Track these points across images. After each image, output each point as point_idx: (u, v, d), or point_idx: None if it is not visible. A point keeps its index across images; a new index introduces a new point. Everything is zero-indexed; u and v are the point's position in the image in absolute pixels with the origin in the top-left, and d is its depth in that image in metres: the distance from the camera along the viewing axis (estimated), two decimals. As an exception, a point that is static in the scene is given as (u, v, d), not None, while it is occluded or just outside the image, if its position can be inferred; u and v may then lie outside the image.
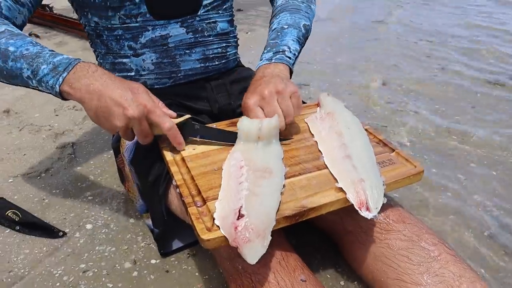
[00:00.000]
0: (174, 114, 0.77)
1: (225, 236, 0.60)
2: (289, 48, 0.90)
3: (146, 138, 0.74)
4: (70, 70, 0.71)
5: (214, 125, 0.87)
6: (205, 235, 0.61)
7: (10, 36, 0.76)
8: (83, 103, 0.71)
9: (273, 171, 0.70)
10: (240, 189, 0.65)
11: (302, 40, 0.95)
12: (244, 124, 0.76)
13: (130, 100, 0.69)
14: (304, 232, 0.89)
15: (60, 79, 0.71)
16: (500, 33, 2.59)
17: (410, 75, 1.95)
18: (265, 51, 0.92)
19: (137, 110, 0.69)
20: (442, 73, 1.97)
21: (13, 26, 0.80)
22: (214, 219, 0.63)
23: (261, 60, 0.90)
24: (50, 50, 0.75)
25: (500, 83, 1.83)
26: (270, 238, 0.59)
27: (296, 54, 0.92)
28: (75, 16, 2.47)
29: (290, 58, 0.89)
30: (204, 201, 0.67)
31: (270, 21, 1.02)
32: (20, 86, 0.79)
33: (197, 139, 0.80)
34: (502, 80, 1.86)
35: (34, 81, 0.74)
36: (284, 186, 0.70)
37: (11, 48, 0.74)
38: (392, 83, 1.84)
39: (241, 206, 0.61)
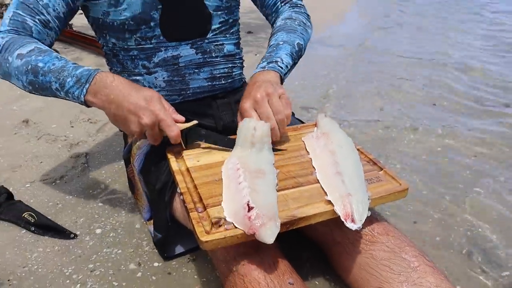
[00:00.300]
0: (183, 118, 0.87)
1: (221, 239, 0.67)
2: (282, 60, 0.99)
3: (156, 141, 0.84)
4: (91, 81, 0.81)
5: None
6: (203, 237, 0.68)
7: (39, 53, 0.86)
8: (104, 110, 0.82)
9: (266, 172, 0.78)
10: (241, 187, 0.73)
11: (294, 56, 1.03)
12: (241, 124, 0.85)
13: (144, 109, 0.78)
14: (296, 242, 0.95)
15: (84, 90, 0.81)
16: None
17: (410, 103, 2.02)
18: (260, 62, 1.01)
19: (150, 119, 0.78)
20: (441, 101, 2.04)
21: (41, 44, 0.90)
22: (213, 223, 0.70)
23: (256, 69, 0.99)
24: (73, 63, 0.85)
25: None
26: (279, 220, 0.67)
27: (288, 66, 1.01)
28: (93, 33, 2.60)
29: (281, 68, 0.98)
30: (205, 208, 0.75)
31: (269, 39, 1.11)
32: (50, 96, 0.88)
33: (202, 142, 0.89)
34: None
35: (62, 93, 0.84)
36: (277, 184, 0.78)
37: (40, 64, 0.83)
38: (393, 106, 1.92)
39: (248, 201, 0.69)
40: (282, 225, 0.71)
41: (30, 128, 1.63)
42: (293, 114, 1.22)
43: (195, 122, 0.88)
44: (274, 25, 1.16)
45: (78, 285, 0.88)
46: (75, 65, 0.85)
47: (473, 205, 1.19)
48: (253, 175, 0.77)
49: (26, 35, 0.90)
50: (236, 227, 0.68)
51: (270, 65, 0.98)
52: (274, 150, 0.89)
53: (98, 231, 1.05)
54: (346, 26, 3.97)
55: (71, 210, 1.13)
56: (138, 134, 0.82)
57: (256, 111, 0.87)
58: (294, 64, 1.05)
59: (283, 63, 0.99)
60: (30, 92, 0.90)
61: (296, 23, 1.10)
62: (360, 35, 3.54)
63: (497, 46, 3.10)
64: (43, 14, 0.91)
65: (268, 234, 0.65)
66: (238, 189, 0.75)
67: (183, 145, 0.89)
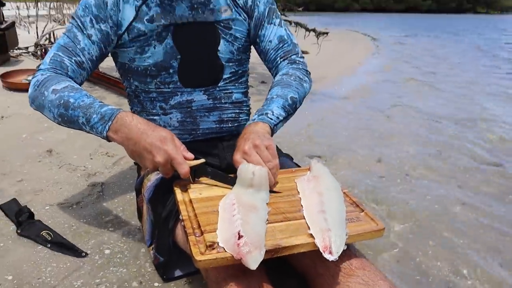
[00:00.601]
0: (192, 156, 0.99)
1: (212, 259, 0.78)
2: (273, 112, 1.10)
3: (168, 175, 0.96)
4: (113, 120, 0.95)
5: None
6: (198, 257, 0.79)
7: (71, 90, 1.01)
8: (123, 146, 0.95)
9: (258, 207, 0.90)
10: (235, 219, 0.84)
11: (287, 108, 1.14)
12: (240, 167, 0.97)
13: (158, 148, 0.92)
14: (284, 271, 1.04)
15: (107, 127, 0.95)
16: None
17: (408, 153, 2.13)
18: (254, 115, 1.14)
19: (163, 157, 0.91)
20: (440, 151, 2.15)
21: (74, 82, 1.06)
22: (207, 246, 0.81)
23: (249, 121, 1.11)
24: (99, 102, 1.00)
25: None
26: (264, 249, 0.78)
27: (280, 117, 1.11)
28: (116, 75, 2.82)
29: (271, 119, 1.09)
30: (202, 233, 0.86)
31: (269, 91, 1.24)
32: (75, 129, 1.02)
33: (208, 178, 1.01)
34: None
35: (87, 127, 0.98)
36: (267, 219, 0.89)
37: (71, 100, 0.98)
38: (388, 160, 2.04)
39: (239, 230, 0.80)
40: (268, 252, 0.82)
41: (53, 157, 1.78)
42: (291, 158, 1.34)
43: (202, 160, 1.01)
44: (274, 78, 1.30)
45: (85, 296, 0.98)
46: (101, 103, 1.00)
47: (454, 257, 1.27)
48: (247, 209, 0.88)
49: (62, 73, 1.06)
50: (226, 253, 0.79)
51: (260, 116, 1.09)
52: (270, 192, 1.01)
53: (107, 252, 1.16)
54: (356, 80, 4.16)
55: (84, 232, 1.25)
56: (152, 169, 0.95)
57: (245, 154, 0.99)
58: (288, 115, 1.15)
59: (273, 114, 1.10)
60: (58, 124, 1.05)
61: (292, 78, 1.22)
62: (369, 88, 3.71)
63: None
64: (79, 56, 1.08)
65: (252, 261, 0.76)
66: (232, 220, 0.86)
67: (191, 180, 1.01)
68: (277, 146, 1.34)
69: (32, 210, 1.31)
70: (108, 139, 0.97)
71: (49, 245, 1.18)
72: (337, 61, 5.39)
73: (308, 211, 0.96)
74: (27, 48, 3.66)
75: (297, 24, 4.01)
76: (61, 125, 1.04)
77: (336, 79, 4.09)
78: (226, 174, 1.05)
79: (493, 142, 2.43)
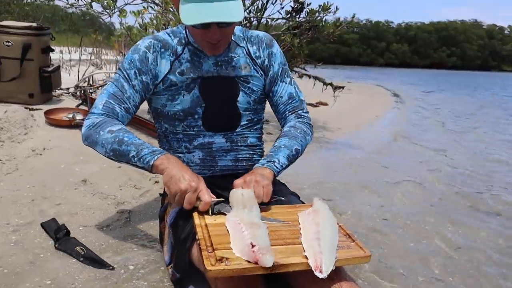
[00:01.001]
0: (214, 197, 1.17)
1: (220, 270, 0.94)
2: (279, 161, 1.31)
3: (190, 204, 1.14)
4: (163, 154, 1.18)
5: None
6: (209, 267, 0.95)
7: (125, 131, 1.23)
8: (165, 171, 1.15)
9: (259, 225, 1.07)
10: (245, 234, 1.02)
11: (291, 158, 1.35)
12: (232, 192, 1.17)
13: (194, 179, 1.12)
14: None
15: (155, 157, 1.16)
16: None
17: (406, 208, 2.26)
18: (263, 159, 1.33)
19: (196, 184, 1.11)
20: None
21: (123, 125, 1.28)
22: (217, 260, 0.98)
23: (259, 163, 1.31)
24: (149, 145, 1.22)
25: None
26: (273, 255, 0.96)
27: (283, 166, 1.32)
28: (146, 117, 3.09)
29: (277, 167, 1.29)
30: (213, 250, 1.03)
31: (275, 140, 1.44)
32: (122, 162, 1.23)
33: (225, 212, 1.18)
34: None
35: (135, 158, 1.18)
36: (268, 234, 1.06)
37: (126, 138, 1.20)
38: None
39: (252, 241, 0.97)
40: (268, 268, 0.98)
41: (87, 186, 2.00)
42: (298, 196, 1.51)
43: (222, 199, 1.19)
44: (282, 129, 1.50)
45: (111, 302, 1.15)
46: (150, 144, 1.22)
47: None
48: (251, 226, 1.06)
49: (114, 118, 1.29)
50: (232, 266, 0.96)
51: (268, 163, 1.30)
52: (276, 220, 1.18)
53: (131, 267, 1.33)
54: (370, 133, 4.33)
55: (112, 250, 1.43)
56: (179, 195, 1.12)
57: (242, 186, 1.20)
58: (290, 163, 1.36)
59: (279, 163, 1.31)
60: (108, 157, 1.25)
61: (298, 131, 1.42)
62: (381, 142, 3.87)
63: None
64: (126, 103, 1.31)
65: (268, 259, 0.94)
66: (242, 235, 1.03)
67: (210, 213, 1.18)
68: (285, 185, 1.53)
69: (68, 228, 1.50)
70: (151, 167, 1.17)
71: (81, 259, 1.36)
72: (355, 114, 5.60)
73: (305, 238, 1.12)
74: (68, 89, 4.02)
75: (316, 78, 4.27)
76: (110, 158, 1.24)
77: (351, 131, 4.28)
78: None
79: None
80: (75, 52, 7.34)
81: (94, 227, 1.59)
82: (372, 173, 2.80)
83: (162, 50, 1.34)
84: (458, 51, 55.37)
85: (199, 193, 1.14)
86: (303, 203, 1.46)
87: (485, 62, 54.67)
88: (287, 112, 1.48)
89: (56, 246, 1.43)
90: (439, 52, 55.53)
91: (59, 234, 1.47)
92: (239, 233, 1.06)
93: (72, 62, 5.90)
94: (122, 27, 3.56)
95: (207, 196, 1.14)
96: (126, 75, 1.32)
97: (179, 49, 1.35)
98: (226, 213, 1.18)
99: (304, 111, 1.51)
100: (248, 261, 0.95)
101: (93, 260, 1.35)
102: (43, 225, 1.55)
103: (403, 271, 1.52)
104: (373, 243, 1.73)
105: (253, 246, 0.97)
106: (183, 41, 1.36)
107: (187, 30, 1.36)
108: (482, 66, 52.55)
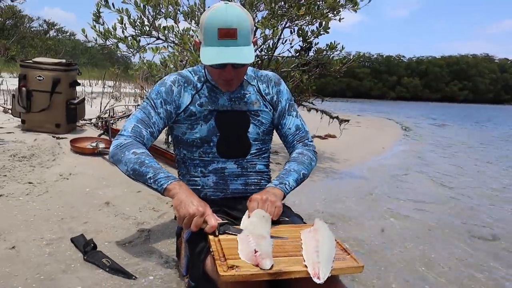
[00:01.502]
0: (219, 220, 1.32)
1: (231, 275, 1.11)
2: (289, 183, 1.49)
3: (196, 227, 1.29)
4: (174, 181, 1.34)
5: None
6: (222, 273, 1.12)
7: (147, 155, 1.42)
8: (176, 196, 1.31)
9: (266, 237, 1.24)
10: (251, 243, 1.20)
11: (299, 181, 1.54)
12: (258, 210, 1.36)
13: (201, 205, 1.28)
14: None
15: (169, 182, 1.33)
16: None
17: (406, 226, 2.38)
18: (275, 179, 1.51)
19: (203, 209, 1.28)
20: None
21: (147, 150, 1.47)
22: (228, 267, 1.15)
23: (271, 183, 1.50)
24: (165, 170, 1.39)
25: None
26: (272, 260, 1.13)
27: (292, 188, 1.50)
28: (163, 146, 3.30)
29: (286, 189, 1.48)
30: (225, 259, 1.20)
31: (285, 163, 1.63)
32: (138, 181, 1.40)
33: (230, 232, 1.34)
34: None
35: (151, 180, 1.36)
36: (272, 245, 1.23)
37: (146, 161, 1.38)
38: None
39: (255, 249, 1.15)
40: (272, 274, 1.14)
41: (110, 208, 2.19)
42: (301, 218, 1.66)
43: (226, 221, 1.35)
44: (290, 155, 1.68)
45: (134, 305, 1.31)
46: (166, 170, 1.40)
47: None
48: (258, 237, 1.23)
49: (140, 141, 1.48)
50: (241, 272, 1.12)
51: (280, 185, 1.48)
52: (282, 238, 1.34)
53: (151, 277, 1.50)
54: (375, 164, 4.47)
55: (134, 263, 1.60)
56: (190, 216, 1.28)
57: (258, 204, 1.38)
58: (297, 185, 1.54)
59: (288, 185, 1.50)
60: (128, 176, 1.42)
61: (305, 158, 1.62)
62: (386, 173, 4.01)
63: None
64: (151, 128, 1.51)
65: (266, 263, 1.12)
66: (249, 244, 1.21)
67: (216, 233, 1.33)
68: (290, 208, 1.70)
69: (95, 243, 1.68)
70: (163, 191, 1.34)
71: (107, 269, 1.53)
72: (362, 146, 5.76)
73: (306, 251, 1.28)
74: (90, 119, 4.29)
75: (323, 111, 4.48)
76: (130, 177, 1.42)
77: (358, 162, 4.44)
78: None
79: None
80: (95, 85, 7.73)
81: (118, 243, 1.77)
82: (374, 201, 2.94)
83: (185, 84, 1.55)
84: (470, 84, 55.51)
85: (205, 217, 1.28)
86: (305, 223, 1.62)
87: (498, 96, 54.58)
88: (295, 141, 1.68)
89: (85, 258, 1.60)
90: (450, 85, 55.74)
91: (87, 247, 1.64)
92: (246, 243, 1.23)
93: (93, 94, 6.23)
94: (140, 62, 3.84)
95: (213, 220, 1.28)
96: (153, 104, 1.53)
97: (199, 85, 1.56)
98: (230, 233, 1.33)
99: (309, 140, 1.71)
100: (256, 265, 1.12)
101: (118, 271, 1.52)
102: (72, 240, 1.74)
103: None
104: (372, 262, 1.86)
105: (256, 252, 1.15)
106: (202, 78, 1.57)
107: (205, 70, 1.57)
108: (494, 100, 52.40)
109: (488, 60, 61.33)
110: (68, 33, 27.37)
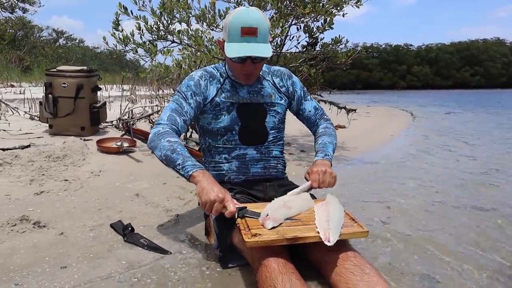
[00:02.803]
0: (238, 204, 1.51)
1: (254, 241, 1.32)
2: (330, 154, 1.77)
3: (216, 212, 1.46)
4: (199, 170, 1.52)
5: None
6: (247, 240, 1.34)
7: (179, 144, 1.60)
8: (199, 182, 1.47)
9: (292, 208, 1.47)
10: (267, 209, 1.43)
11: (334, 150, 1.82)
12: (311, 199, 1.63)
13: (219, 192, 1.45)
14: (306, 264, 1.52)
15: (195, 169, 1.52)
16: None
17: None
18: (319, 153, 1.77)
19: (223, 195, 1.44)
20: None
21: (180, 141, 1.68)
22: (252, 235, 1.36)
23: (317, 156, 1.75)
24: (194, 159, 1.58)
25: None
26: (280, 223, 1.40)
27: (332, 156, 1.77)
28: (190, 145, 3.51)
29: (331, 158, 1.75)
30: (249, 229, 1.40)
31: (316, 138, 1.88)
32: (168, 166, 1.57)
33: (248, 215, 1.54)
34: None
35: (180, 166, 1.55)
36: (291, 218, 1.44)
37: (178, 149, 1.58)
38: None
39: (268, 213, 1.37)
40: (289, 239, 1.35)
41: (140, 199, 2.41)
42: (314, 197, 1.85)
43: (245, 205, 1.54)
44: (316, 131, 1.94)
45: (172, 273, 1.53)
46: (194, 159, 1.59)
47: None
48: (281, 206, 1.46)
49: (175, 127, 1.66)
50: (263, 238, 1.33)
51: (326, 157, 1.75)
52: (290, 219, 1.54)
53: (184, 252, 1.72)
54: (385, 151, 4.63)
55: (167, 242, 1.82)
56: (211, 202, 1.44)
57: (319, 175, 1.64)
58: (333, 154, 1.82)
59: (331, 156, 1.77)
60: (160, 160, 1.60)
61: (331, 130, 1.92)
62: (394, 158, 4.17)
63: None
64: (184, 116, 1.71)
65: (267, 224, 1.39)
66: (267, 209, 1.44)
67: (235, 218, 1.50)
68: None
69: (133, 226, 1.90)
70: (189, 177, 1.50)
71: (145, 247, 1.75)
72: (372, 134, 5.92)
73: (318, 220, 1.49)
74: (112, 122, 4.54)
75: (331, 103, 4.66)
76: (162, 162, 1.58)
77: (367, 150, 4.61)
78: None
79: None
80: (111, 89, 8.01)
81: (151, 227, 1.99)
82: (383, 186, 3.11)
83: (211, 79, 1.77)
84: (481, 70, 54.76)
85: (225, 203, 1.44)
86: (314, 197, 1.82)
87: (511, 79, 53.62)
88: (317, 120, 1.97)
89: (125, 239, 1.82)
90: (461, 72, 55.06)
91: (126, 230, 1.87)
92: (270, 206, 1.49)
93: (110, 98, 6.50)
94: (152, 65, 4.06)
95: (232, 206, 1.44)
96: (184, 96, 1.74)
97: (222, 80, 1.78)
98: (248, 216, 1.51)
99: (326, 116, 2.01)
100: (262, 225, 1.42)
101: (155, 248, 1.74)
102: (112, 225, 1.96)
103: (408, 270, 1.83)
104: (378, 233, 2.04)
105: (267, 215, 1.40)
106: (224, 74, 1.79)
107: (226, 67, 1.79)
108: (507, 84, 51.55)
109: (499, 44, 60.41)
110: (77, 40, 27.83)
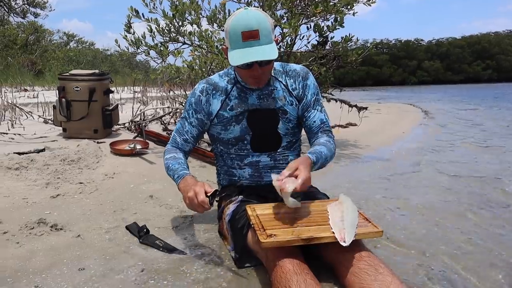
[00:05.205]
0: (211, 189, 1.51)
1: (270, 242, 1.33)
2: (316, 155, 1.64)
3: (200, 208, 1.48)
4: (180, 181, 1.62)
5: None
6: (263, 240, 1.35)
7: (172, 159, 1.72)
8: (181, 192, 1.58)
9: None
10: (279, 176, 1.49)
11: (325, 160, 1.69)
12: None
13: (189, 195, 1.49)
14: (320, 264, 1.52)
15: (178, 181, 1.62)
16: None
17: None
18: (311, 152, 1.65)
19: (188, 198, 1.49)
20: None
21: (179, 153, 1.74)
22: (267, 235, 1.37)
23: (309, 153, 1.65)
24: (182, 168, 1.66)
25: None
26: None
27: (317, 162, 1.63)
28: (201, 146, 3.51)
29: (313, 160, 1.61)
30: (264, 230, 1.42)
31: (314, 146, 1.75)
32: (168, 174, 1.69)
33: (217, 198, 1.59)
34: None
35: (176, 183, 1.65)
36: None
37: (170, 165, 1.71)
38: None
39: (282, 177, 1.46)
40: (304, 240, 1.36)
41: (154, 200, 2.44)
42: (327, 196, 1.85)
43: (216, 189, 1.53)
44: (315, 141, 1.80)
45: (188, 274, 1.55)
46: (182, 169, 1.66)
47: None
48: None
49: (176, 146, 1.78)
50: (278, 238, 1.34)
51: (308, 154, 1.63)
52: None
53: (199, 252, 1.74)
54: (396, 148, 4.61)
55: (182, 242, 1.84)
56: (190, 205, 1.50)
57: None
58: (321, 166, 1.69)
59: (315, 157, 1.64)
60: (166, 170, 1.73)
61: (330, 145, 1.76)
62: (404, 155, 4.14)
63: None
64: (184, 135, 1.77)
65: (289, 187, 1.43)
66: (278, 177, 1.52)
67: (209, 204, 1.49)
68: (317, 188, 1.89)
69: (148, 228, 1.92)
70: (178, 186, 1.64)
71: (161, 249, 1.77)
72: (383, 131, 5.89)
73: (332, 220, 1.49)
74: (124, 124, 4.59)
75: (342, 101, 4.65)
76: (167, 172, 1.74)
77: (378, 147, 4.59)
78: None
79: None
80: (122, 91, 8.09)
81: (166, 228, 2.02)
82: (394, 183, 3.09)
83: (214, 92, 1.76)
84: (493, 63, 53.92)
85: (196, 197, 1.46)
86: (327, 197, 1.83)
87: (524, 73, 52.64)
88: (319, 132, 1.82)
89: (140, 241, 1.85)
90: (473, 66, 54.30)
91: (141, 232, 1.89)
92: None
93: (122, 100, 6.56)
94: (163, 66, 4.08)
95: (202, 196, 1.46)
96: (186, 115, 1.79)
97: (229, 87, 1.76)
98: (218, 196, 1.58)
99: (332, 134, 1.86)
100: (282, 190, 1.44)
101: (170, 249, 1.76)
102: (127, 227, 1.99)
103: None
104: (391, 231, 2.04)
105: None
106: (233, 80, 1.77)
107: (235, 72, 1.77)
108: (520, 77, 50.64)
109: None
110: (87, 43, 28.10)
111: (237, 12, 1.62)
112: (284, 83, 1.79)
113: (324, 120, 1.84)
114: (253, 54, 1.55)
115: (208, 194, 1.48)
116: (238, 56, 1.56)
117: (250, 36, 1.54)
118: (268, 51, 1.56)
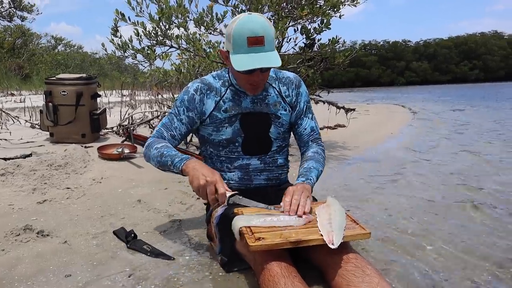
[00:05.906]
0: (229, 190, 1.53)
1: (258, 245, 1.33)
2: (313, 179, 1.68)
3: (211, 195, 1.49)
4: (186, 162, 1.57)
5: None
6: (251, 244, 1.35)
7: (165, 147, 1.66)
8: (189, 173, 1.53)
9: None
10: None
11: (318, 177, 1.73)
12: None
13: (205, 179, 1.48)
14: (308, 267, 1.53)
15: (182, 163, 1.56)
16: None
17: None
18: (300, 177, 1.68)
19: (212, 178, 1.48)
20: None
21: (169, 143, 1.70)
22: (256, 239, 1.36)
23: (298, 180, 1.67)
24: (180, 154, 1.62)
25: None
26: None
27: (315, 182, 1.69)
28: (190, 149, 3.51)
29: (312, 183, 1.67)
30: (253, 233, 1.41)
31: (303, 160, 1.80)
32: (163, 169, 1.65)
33: (240, 203, 1.56)
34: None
35: (171, 167, 1.60)
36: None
37: (165, 152, 1.62)
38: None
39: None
40: (293, 242, 1.35)
41: (142, 204, 2.42)
42: (315, 199, 1.86)
43: (236, 192, 1.55)
44: (305, 153, 1.84)
45: (175, 279, 1.54)
46: (181, 154, 1.63)
47: None
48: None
49: (161, 139, 1.72)
50: (266, 242, 1.34)
51: (307, 181, 1.66)
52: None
53: (187, 257, 1.73)
54: (384, 148, 4.64)
55: (170, 246, 1.83)
56: (202, 187, 1.48)
57: (293, 197, 1.54)
58: (317, 181, 1.72)
59: (313, 180, 1.68)
60: (158, 168, 1.68)
61: (320, 156, 1.80)
62: (391, 156, 4.18)
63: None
64: (172, 131, 1.74)
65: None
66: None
67: (226, 203, 1.53)
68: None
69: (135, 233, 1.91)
70: (182, 172, 1.57)
71: (148, 254, 1.76)
72: (371, 132, 5.94)
73: (320, 222, 1.50)
74: (112, 128, 4.56)
75: (330, 103, 4.67)
76: (159, 169, 1.67)
77: (367, 148, 4.62)
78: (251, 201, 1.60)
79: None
80: (110, 95, 8.03)
81: (154, 233, 2.00)
82: (383, 184, 3.11)
83: (208, 92, 1.74)
84: (480, 63, 54.74)
85: (216, 185, 1.48)
86: (315, 199, 1.83)
87: (510, 72, 53.48)
88: (310, 141, 1.86)
89: (128, 246, 1.83)
90: (460, 66, 55.06)
91: (129, 237, 1.88)
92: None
93: (110, 104, 6.51)
94: (151, 69, 4.07)
95: (222, 188, 1.48)
96: (176, 111, 1.75)
97: (223, 90, 1.75)
98: (240, 203, 1.54)
99: (321, 140, 1.90)
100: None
101: (158, 254, 1.75)
102: (115, 232, 1.97)
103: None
104: (379, 233, 2.05)
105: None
106: (227, 83, 1.76)
107: (230, 74, 1.76)
108: (506, 77, 51.45)
109: (497, 37, 60.34)
110: (76, 47, 27.87)
111: (240, 16, 1.60)
112: (278, 89, 1.80)
113: (314, 127, 1.88)
114: (259, 61, 1.54)
115: (228, 194, 1.50)
116: (243, 62, 1.54)
117: (256, 42, 1.53)
118: (273, 58, 1.56)
